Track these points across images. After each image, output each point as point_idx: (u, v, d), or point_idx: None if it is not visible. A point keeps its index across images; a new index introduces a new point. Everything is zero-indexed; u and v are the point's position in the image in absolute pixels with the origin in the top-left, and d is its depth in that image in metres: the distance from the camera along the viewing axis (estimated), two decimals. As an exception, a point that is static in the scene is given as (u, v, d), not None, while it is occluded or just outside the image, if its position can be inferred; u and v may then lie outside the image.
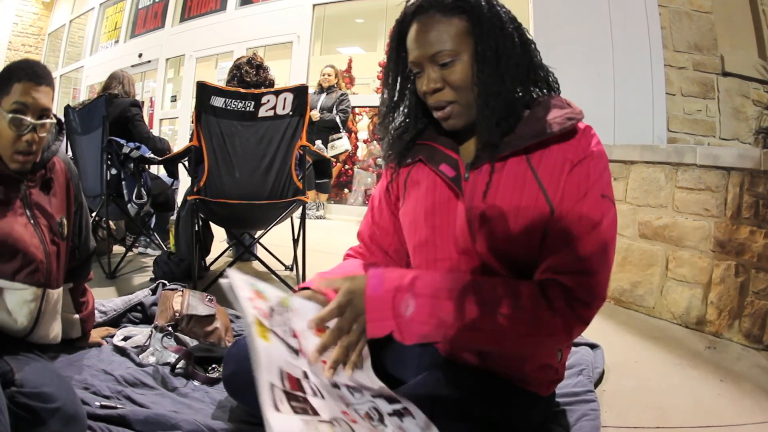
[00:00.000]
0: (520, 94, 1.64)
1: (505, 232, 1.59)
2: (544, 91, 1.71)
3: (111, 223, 5.56)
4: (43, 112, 2.23)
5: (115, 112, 5.09)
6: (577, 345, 3.03)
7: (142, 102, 12.13)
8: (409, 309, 1.48)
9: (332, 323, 1.50)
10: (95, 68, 16.16)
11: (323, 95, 8.94)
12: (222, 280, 1.47)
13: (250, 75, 4.60)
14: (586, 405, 2.36)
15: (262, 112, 3.90)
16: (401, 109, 1.82)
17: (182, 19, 13.43)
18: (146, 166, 4.98)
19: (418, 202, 1.78)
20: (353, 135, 9.56)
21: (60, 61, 18.10)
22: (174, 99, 13.68)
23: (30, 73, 2.20)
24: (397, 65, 1.76)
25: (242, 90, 3.93)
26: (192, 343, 2.86)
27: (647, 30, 5.26)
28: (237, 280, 1.46)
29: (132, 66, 14.19)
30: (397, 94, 1.80)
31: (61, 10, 18.90)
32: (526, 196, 1.59)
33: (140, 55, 14.16)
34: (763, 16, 5.88)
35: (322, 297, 1.64)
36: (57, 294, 2.44)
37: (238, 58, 4.84)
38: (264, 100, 3.87)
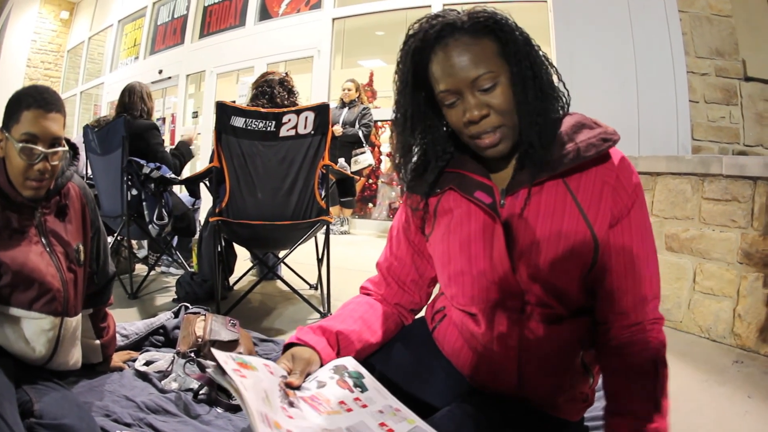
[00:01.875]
0: (558, 108, 1.61)
1: (546, 259, 1.55)
2: (562, 107, 1.66)
3: (133, 242, 5.56)
4: (55, 140, 2.22)
5: (133, 132, 5.03)
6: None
7: (163, 119, 12.19)
8: None
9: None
10: (116, 84, 16.16)
11: (345, 110, 8.92)
12: (208, 368, 1.48)
13: (282, 97, 4.54)
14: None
15: (284, 132, 3.89)
16: (418, 144, 1.74)
17: (201, 35, 13.49)
18: (167, 186, 4.94)
19: (451, 231, 1.71)
20: (376, 149, 9.55)
21: (80, 77, 18.20)
22: (195, 115, 13.72)
23: (39, 100, 2.19)
24: (411, 97, 1.66)
25: (263, 110, 3.92)
26: None
27: (668, 36, 5.22)
28: (220, 356, 1.43)
29: (152, 82, 14.24)
30: (416, 133, 1.73)
31: (80, 27, 19.03)
32: (567, 220, 1.55)
33: (160, 72, 14.21)
34: (784, 18, 5.83)
35: (308, 351, 1.64)
36: (75, 321, 2.43)
37: (269, 73, 4.79)
38: (285, 119, 3.86)
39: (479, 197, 1.63)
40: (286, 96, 4.52)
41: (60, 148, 2.24)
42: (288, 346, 1.70)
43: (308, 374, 1.59)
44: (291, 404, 1.44)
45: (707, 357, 3.52)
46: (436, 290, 1.99)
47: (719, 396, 2.95)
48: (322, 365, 1.64)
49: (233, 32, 12.51)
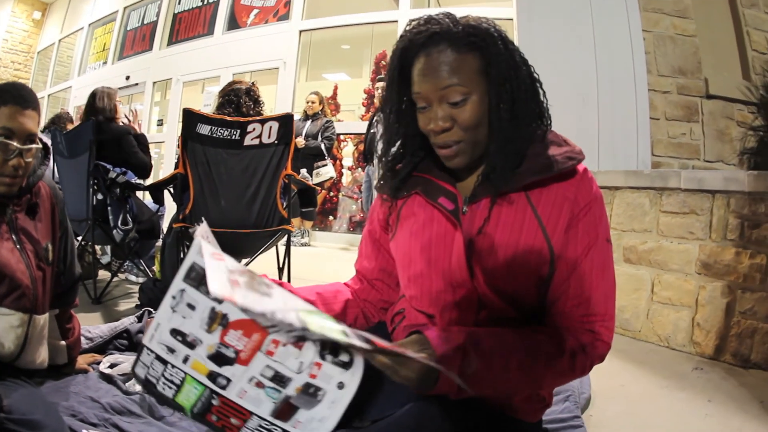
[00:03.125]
0: (530, 133, 1.64)
1: (502, 267, 1.59)
2: (539, 123, 1.70)
3: (97, 247, 5.54)
4: (29, 137, 2.22)
5: (107, 137, 5.01)
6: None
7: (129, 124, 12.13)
8: (471, 367, 1.45)
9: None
10: (83, 89, 16.08)
11: (308, 122, 8.97)
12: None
13: (247, 107, 4.57)
14: (574, 430, 2.38)
15: (248, 141, 3.92)
16: (398, 139, 1.79)
17: (170, 43, 13.47)
18: (132, 192, 4.94)
19: (412, 235, 1.76)
20: (338, 162, 9.60)
21: (48, 80, 18.14)
22: (160, 123, 13.69)
23: (17, 96, 2.20)
24: (397, 95, 1.71)
25: (228, 118, 3.95)
26: None
27: (631, 55, 5.30)
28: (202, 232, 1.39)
29: (119, 88, 14.16)
30: (394, 124, 1.77)
31: (51, 28, 18.96)
32: (526, 231, 1.59)
33: (128, 78, 14.15)
34: (747, 37, 5.93)
35: None
36: (43, 319, 2.44)
37: (235, 82, 4.82)
38: (250, 128, 3.90)
39: (442, 203, 1.67)
40: (252, 106, 4.56)
41: (34, 145, 2.25)
42: None
43: None
44: None
45: (667, 364, 3.58)
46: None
47: (679, 401, 3.00)
48: None
49: (201, 41, 12.54)
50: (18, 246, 2.31)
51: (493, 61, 1.55)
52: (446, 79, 1.54)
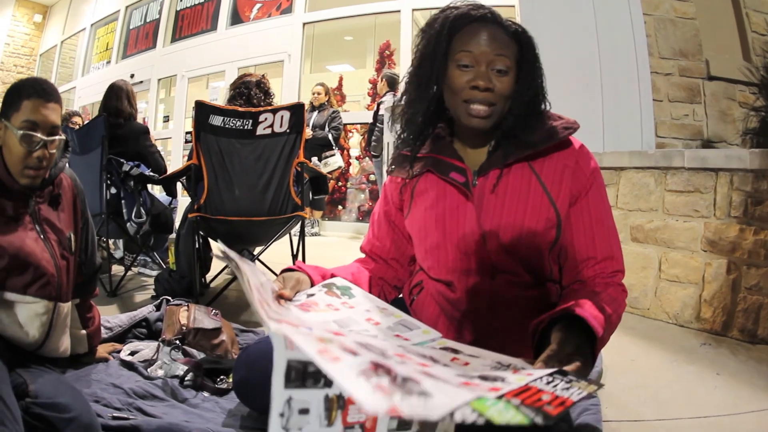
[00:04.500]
0: (541, 114, 1.83)
1: (513, 232, 1.73)
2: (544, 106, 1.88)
3: (110, 242, 5.59)
4: (53, 129, 2.28)
5: (125, 136, 5.08)
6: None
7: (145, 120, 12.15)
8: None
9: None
10: (87, 89, 16.16)
11: (315, 113, 8.99)
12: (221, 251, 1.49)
13: (258, 98, 4.60)
14: (587, 401, 2.41)
15: (260, 131, 3.96)
16: (423, 105, 1.90)
17: (173, 40, 13.49)
18: (146, 184, 4.99)
19: (427, 209, 1.88)
20: (345, 152, 9.59)
21: (52, 81, 17.95)
22: (166, 119, 13.71)
23: (39, 90, 2.26)
24: (435, 57, 1.80)
25: (240, 109, 3.99)
26: (199, 355, 2.90)
27: (633, 38, 5.31)
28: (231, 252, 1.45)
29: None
30: (424, 90, 1.88)
31: (53, 30, 18.94)
32: (532, 198, 1.73)
33: (132, 76, 14.12)
34: (746, 19, 5.94)
35: (298, 273, 1.79)
36: (67, 308, 2.48)
37: (246, 75, 4.84)
38: (262, 118, 3.94)
39: (454, 177, 1.80)
40: (263, 97, 4.59)
41: (57, 137, 2.31)
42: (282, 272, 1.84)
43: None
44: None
45: (675, 340, 3.61)
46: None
47: (688, 374, 3.03)
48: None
49: (205, 36, 12.55)
50: (42, 236, 2.36)
51: (526, 56, 1.76)
52: (498, 49, 1.72)
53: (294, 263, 3.11)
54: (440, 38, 1.79)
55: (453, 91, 1.78)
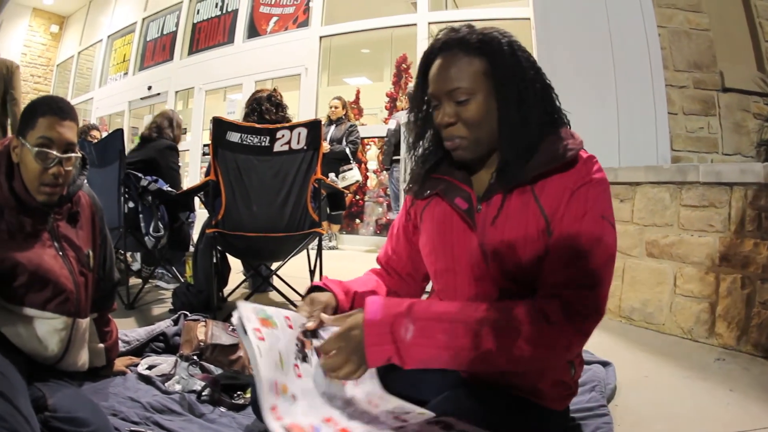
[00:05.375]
0: (539, 133, 1.73)
1: (514, 259, 1.69)
2: (558, 123, 1.81)
3: (127, 255, 5.64)
4: (69, 147, 2.30)
5: (149, 151, 5.20)
6: (589, 363, 3.07)
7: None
8: (408, 333, 1.53)
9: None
10: (105, 100, 16.34)
11: (332, 127, 9.02)
12: (233, 316, 1.59)
13: (270, 113, 4.64)
14: (600, 419, 2.41)
15: (278, 147, 3.98)
16: (424, 136, 1.93)
17: (190, 52, 13.58)
18: (163, 199, 5.00)
19: (435, 234, 1.89)
20: (363, 165, 9.60)
21: (69, 92, 18.19)
22: (184, 132, 13.70)
23: (54, 108, 2.28)
24: (420, 97, 1.86)
25: (257, 125, 4.02)
26: (217, 371, 2.91)
27: (648, 51, 5.31)
28: (244, 311, 1.59)
29: (141, 98, 14.33)
30: (420, 123, 1.91)
31: (70, 41, 19.08)
32: (531, 223, 1.68)
33: (149, 88, 14.26)
34: (760, 29, 5.93)
35: (327, 294, 1.84)
36: (85, 323, 2.51)
37: (258, 91, 4.89)
38: (279, 135, 3.96)
39: (458, 204, 1.80)
40: (274, 111, 4.64)
41: (73, 154, 2.32)
42: (308, 292, 1.90)
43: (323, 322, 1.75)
44: (305, 358, 1.61)
45: (689, 356, 3.60)
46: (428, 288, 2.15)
47: (701, 390, 3.02)
48: (337, 310, 1.82)
49: (222, 49, 12.61)
50: (60, 253, 2.39)
51: (497, 64, 1.69)
52: (453, 81, 1.70)
53: (311, 279, 3.04)
54: (418, 81, 1.85)
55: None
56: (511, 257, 1.69)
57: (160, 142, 5.36)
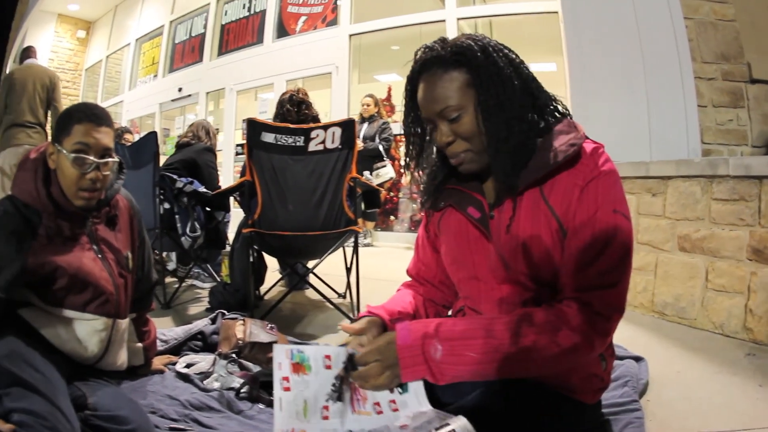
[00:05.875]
0: (529, 131, 1.72)
1: (531, 261, 1.70)
2: (556, 115, 1.81)
3: (163, 254, 5.73)
4: (106, 152, 2.35)
5: (188, 154, 5.30)
6: (622, 358, 3.09)
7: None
8: (437, 353, 1.57)
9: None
10: (135, 103, 16.44)
11: (365, 125, 9.06)
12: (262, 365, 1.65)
13: (291, 114, 4.72)
14: (631, 414, 2.43)
15: (312, 147, 4.02)
16: (426, 158, 1.95)
17: (220, 53, 13.64)
18: (199, 200, 5.08)
19: (455, 244, 1.91)
20: (396, 162, 9.55)
21: (99, 96, 18.33)
22: (216, 132, 13.76)
23: (90, 115, 2.33)
24: (414, 121, 1.89)
25: (292, 126, 4.06)
26: (255, 368, 2.95)
27: (675, 43, 5.26)
28: (278, 356, 1.66)
29: (172, 100, 14.41)
30: (418, 147, 1.94)
31: (97, 45, 19.19)
32: (543, 225, 1.68)
33: (180, 90, 14.35)
34: (786, 18, 5.88)
35: (377, 320, 1.84)
36: (125, 324, 2.58)
37: (284, 93, 4.95)
38: (313, 134, 4.00)
39: (471, 213, 1.82)
40: (296, 110, 4.72)
41: (110, 159, 2.37)
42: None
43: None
44: (339, 396, 1.63)
45: (720, 351, 3.58)
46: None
47: (731, 385, 3.00)
48: (385, 329, 1.82)
49: (251, 50, 12.67)
50: (99, 255, 2.45)
51: (475, 72, 1.69)
52: (440, 103, 1.71)
53: (348, 276, 3.06)
54: (408, 106, 1.89)
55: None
56: (528, 260, 1.71)
57: (198, 145, 5.46)
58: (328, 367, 1.66)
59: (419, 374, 1.59)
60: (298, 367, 1.63)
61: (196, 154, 5.33)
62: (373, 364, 1.61)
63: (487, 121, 1.68)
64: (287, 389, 1.59)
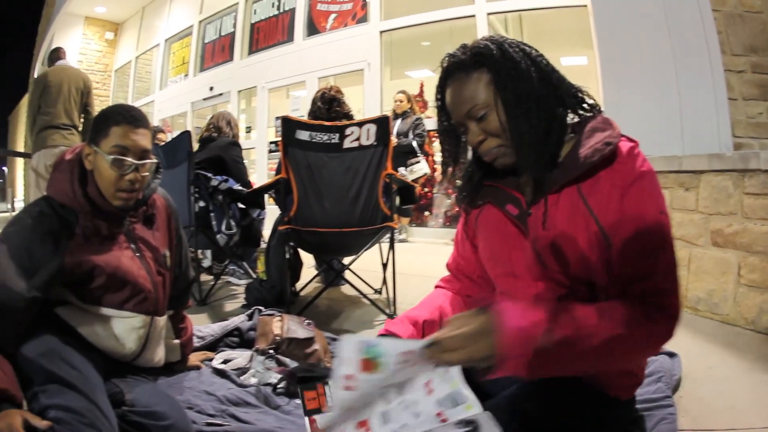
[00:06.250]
0: (551, 121, 1.75)
1: (567, 259, 1.72)
2: (584, 107, 1.83)
3: (198, 252, 5.78)
4: (144, 153, 2.37)
5: (213, 150, 5.30)
6: (656, 354, 3.08)
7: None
8: (547, 342, 1.45)
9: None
10: (166, 102, 16.59)
11: (398, 121, 9.06)
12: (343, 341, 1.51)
13: (322, 111, 4.75)
14: (664, 410, 2.43)
15: (347, 144, 4.04)
16: (462, 159, 2.00)
17: (250, 52, 13.72)
18: (234, 198, 5.12)
19: (492, 240, 1.94)
20: (430, 158, 9.58)
21: (129, 96, 18.49)
22: (249, 130, 13.95)
23: (127, 117, 2.35)
24: (447, 127, 1.94)
25: (326, 123, 4.08)
26: (292, 364, 2.98)
27: (704, 36, 5.22)
28: (347, 350, 1.47)
29: (204, 99, 14.49)
30: (453, 151, 1.99)
31: (126, 46, 19.36)
32: (580, 224, 1.69)
33: (211, 88, 14.45)
34: (813, 8, 5.81)
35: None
36: (163, 321, 2.62)
37: (317, 91, 4.97)
38: (348, 131, 4.03)
39: (509, 210, 1.85)
40: (327, 108, 4.74)
41: (149, 160, 2.40)
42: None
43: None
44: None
45: (752, 347, 3.56)
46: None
47: (762, 382, 2.99)
48: None
49: (282, 48, 12.72)
50: (137, 254, 2.48)
51: (494, 69, 1.73)
52: (466, 104, 1.76)
53: (384, 272, 3.07)
54: (440, 113, 1.93)
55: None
56: (565, 258, 1.72)
57: (222, 140, 5.46)
58: (409, 364, 1.47)
59: (519, 365, 1.45)
60: (369, 363, 1.45)
61: (221, 150, 5.33)
62: (459, 349, 1.44)
63: (509, 115, 1.71)
64: (349, 387, 1.44)
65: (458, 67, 1.78)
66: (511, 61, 1.72)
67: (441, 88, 1.87)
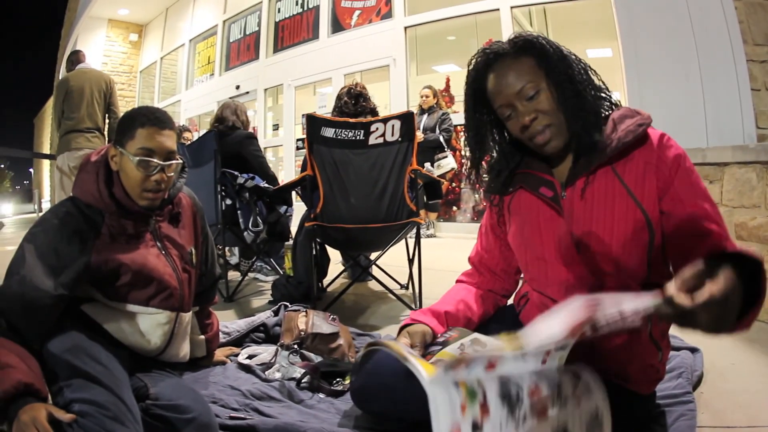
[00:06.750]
0: (598, 99, 1.87)
1: (605, 240, 1.77)
2: (611, 105, 1.93)
3: (226, 249, 5.83)
4: (170, 154, 2.40)
5: (231, 146, 5.29)
6: (678, 349, 3.09)
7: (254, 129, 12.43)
8: None
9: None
10: (192, 101, 16.74)
11: (425, 116, 9.09)
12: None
13: (348, 107, 4.78)
14: (684, 406, 2.42)
15: (372, 140, 4.06)
16: (494, 154, 2.06)
17: (276, 50, 13.81)
18: (261, 196, 5.13)
19: (524, 224, 1.98)
20: (458, 153, 9.58)
21: (156, 96, 18.71)
22: (276, 127, 14.04)
23: (153, 119, 2.37)
24: (480, 121, 2.00)
25: (351, 120, 4.09)
26: (317, 359, 2.98)
27: (726, 26, 5.17)
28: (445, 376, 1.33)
29: (230, 97, 14.55)
30: (483, 146, 2.04)
31: (151, 47, 19.59)
32: (618, 203, 1.77)
33: (237, 87, 14.56)
34: (832, -3, 5.75)
35: (421, 326, 1.96)
36: (188, 317, 2.64)
37: (342, 87, 5.00)
38: (373, 128, 4.04)
39: (543, 192, 1.90)
40: (353, 103, 4.78)
41: (174, 161, 2.42)
42: (402, 328, 2.01)
43: (428, 345, 1.90)
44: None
45: None
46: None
47: None
48: (434, 337, 1.93)
49: (307, 45, 12.79)
50: (163, 252, 2.51)
51: (544, 55, 1.82)
52: (517, 83, 1.82)
53: (410, 268, 3.09)
54: (470, 104, 1.99)
55: (519, 139, 1.92)
56: (601, 237, 1.78)
57: (236, 135, 5.44)
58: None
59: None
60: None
61: (238, 145, 5.33)
62: (706, 314, 1.26)
63: (563, 95, 1.82)
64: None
65: (503, 54, 1.86)
66: (557, 48, 1.87)
67: (478, 79, 1.94)
